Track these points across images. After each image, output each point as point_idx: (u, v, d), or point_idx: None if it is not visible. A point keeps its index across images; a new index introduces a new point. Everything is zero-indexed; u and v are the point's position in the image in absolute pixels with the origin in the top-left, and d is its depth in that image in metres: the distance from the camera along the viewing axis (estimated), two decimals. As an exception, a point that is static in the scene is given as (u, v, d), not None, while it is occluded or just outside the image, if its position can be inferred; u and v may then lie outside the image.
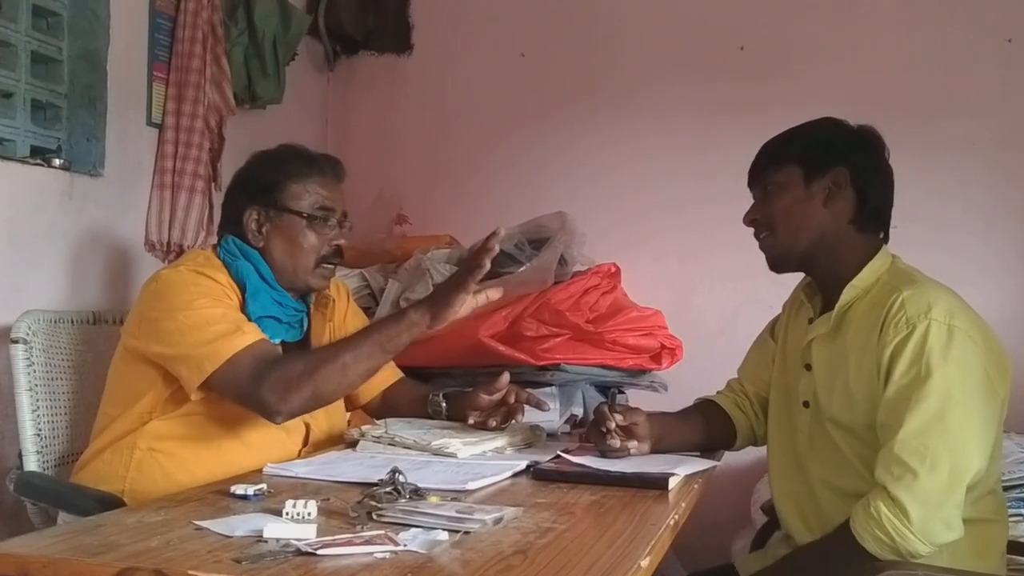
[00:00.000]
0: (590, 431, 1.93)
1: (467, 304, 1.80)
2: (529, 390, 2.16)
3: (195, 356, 1.76)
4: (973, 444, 1.63)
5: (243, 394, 1.75)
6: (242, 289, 1.90)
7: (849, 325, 1.78)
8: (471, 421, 2.06)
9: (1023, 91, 3.05)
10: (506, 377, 2.09)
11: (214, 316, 1.80)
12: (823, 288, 1.89)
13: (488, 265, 1.74)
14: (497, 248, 1.75)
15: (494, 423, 2.02)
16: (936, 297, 1.68)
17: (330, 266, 2.02)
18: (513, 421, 2.06)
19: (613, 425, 1.83)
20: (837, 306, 1.79)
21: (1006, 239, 3.07)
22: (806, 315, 1.91)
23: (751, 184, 1.90)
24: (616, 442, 1.83)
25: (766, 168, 1.86)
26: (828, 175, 1.79)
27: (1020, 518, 2.23)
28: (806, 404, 1.86)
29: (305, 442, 1.96)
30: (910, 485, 1.58)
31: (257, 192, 1.98)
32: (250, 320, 1.85)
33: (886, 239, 1.86)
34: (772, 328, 2.08)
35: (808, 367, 1.86)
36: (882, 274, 1.79)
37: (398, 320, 1.79)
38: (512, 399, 2.07)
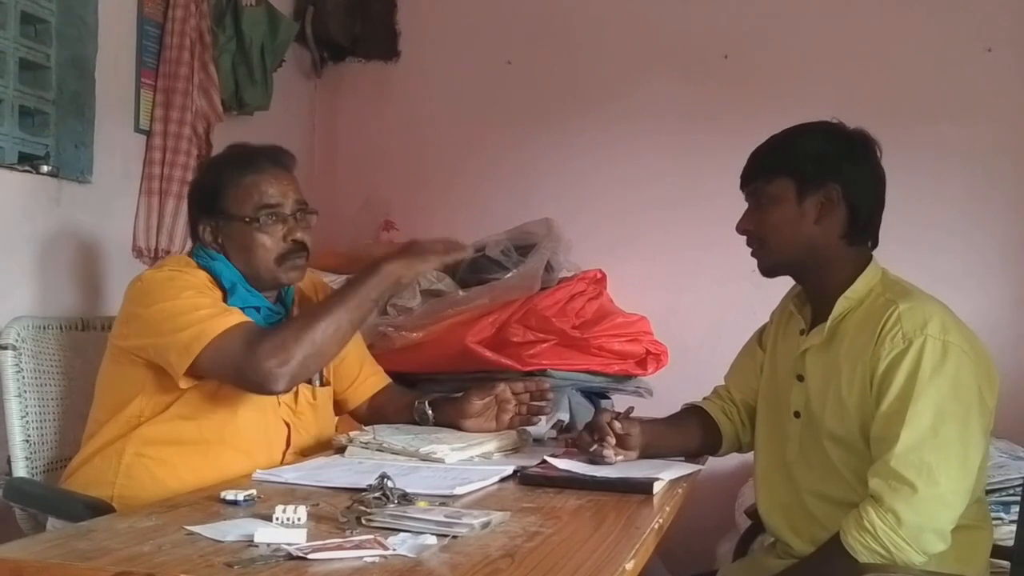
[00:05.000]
0: (581, 438, 1.91)
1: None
2: (526, 381, 2.18)
3: (182, 338, 1.74)
4: (968, 457, 1.64)
5: (237, 368, 1.72)
6: (221, 287, 1.90)
7: (843, 336, 1.78)
8: (467, 426, 2.07)
9: (1002, 98, 3.10)
10: (501, 387, 2.11)
11: (201, 303, 1.80)
12: (813, 299, 1.88)
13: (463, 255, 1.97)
14: (468, 252, 1.98)
15: (516, 421, 2.09)
16: (931, 312, 1.70)
17: (298, 260, 1.94)
18: (541, 418, 2.14)
19: (613, 440, 1.84)
20: (831, 317, 1.79)
21: (988, 243, 3.12)
22: (797, 326, 1.91)
23: (743, 188, 1.87)
24: (610, 452, 1.83)
25: (758, 177, 1.83)
26: (820, 191, 1.77)
27: (1000, 522, 2.26)
28: (797, 414, 1.86)
29: (288, 443, 1.95)
30: (908, 498, 1.59)
31: (204, 202, 1.95)
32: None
33: (875, 245, 1.85)
34: (760, 337, 2.07)
35: (800, 378, 1.86)
36: (875, 285, 1.79)
37: (376, 271, 1.82)
38: (512, 400, 2.09)
